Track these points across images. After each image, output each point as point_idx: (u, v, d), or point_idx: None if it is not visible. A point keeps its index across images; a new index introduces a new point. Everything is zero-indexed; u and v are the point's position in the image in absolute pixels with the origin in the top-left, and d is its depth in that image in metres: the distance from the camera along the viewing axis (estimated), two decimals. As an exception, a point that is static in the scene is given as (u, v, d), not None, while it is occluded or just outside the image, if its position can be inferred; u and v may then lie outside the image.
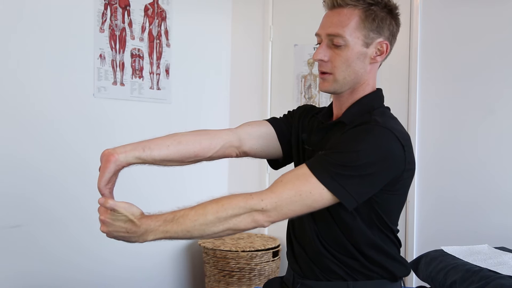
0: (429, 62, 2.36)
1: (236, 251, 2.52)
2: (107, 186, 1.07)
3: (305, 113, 1.34)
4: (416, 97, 2.38)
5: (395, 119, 1.20)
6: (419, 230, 2.38)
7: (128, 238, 1.02)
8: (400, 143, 1.09)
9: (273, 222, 1.05)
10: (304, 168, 1.06)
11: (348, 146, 1.07)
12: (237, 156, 1.30)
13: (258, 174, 2.92)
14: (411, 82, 2.39)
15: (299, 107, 1.38)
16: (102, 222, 1.02)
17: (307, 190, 1.03)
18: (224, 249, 2.54)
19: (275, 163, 1.41)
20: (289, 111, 1.39)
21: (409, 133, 1.92)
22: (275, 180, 1.06)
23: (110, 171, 1.07)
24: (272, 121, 1.34)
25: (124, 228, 1.00)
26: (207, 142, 1.21)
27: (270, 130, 1.32)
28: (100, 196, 1.07)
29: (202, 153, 1.21)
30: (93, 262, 2.32)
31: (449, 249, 1.73)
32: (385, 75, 2.47)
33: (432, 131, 2.35)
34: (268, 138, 1.31)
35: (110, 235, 1.03)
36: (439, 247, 1.76)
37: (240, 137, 1.27)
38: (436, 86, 2.34)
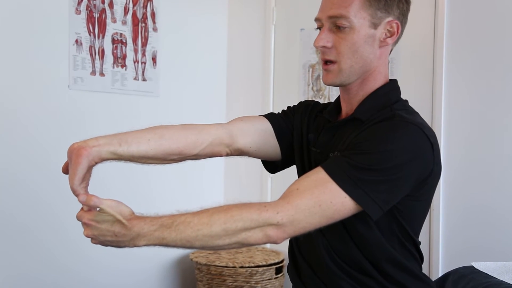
0: (457, 48, 2.34)
1: (233, 267, 2.51)
2: (81, 185, 1.04)
3: (308, 110, 1.34)
4: (442, 89, 2.36)
5: (418, 114, 1.20)
6: (445, 243, 2.37)
7: (116, 242, 1.00)
8: (429, 141, 1.10)
9: (287, 238, 1.04)
10: (321, 173, 1.05)
11: (373, 146, 1.06)
12: (227, 155, 1.29)
13: (259, 177, 2.90)
14: (436, 71, 2.38)
15: (300, 103, 1.38)
16: (86, 225, 0.99)
17: (327, 200, 1.02)
18: (220, 264, 2.53)
19: (272, 166, 1.40)
20: (288, 107, 1.38)
21: (433, 130, 1.90)
22: (289, 188, 1.06)
23: (83, 167, 1.04)
24: (269, 116, 1.34)
25: (111, 232, 0.98)
26: (193, 138, 1.20)
27: (266, 126, 1.31)
28: (76, 200, 1.05)
29: (187, 150, 1.19)
30: (70, 279, 2.31)
31: (481, 266, 1.71)
32: (406, 63, 2.45)
33: (461, 128, 2.33)
34: (265, 136, 1.30)
35: (95, 240, 1.01)
36: (468, 263, 1.75)
37: (232, 134, 1.26)
38: (466, 75, 2.32)
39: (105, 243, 1.01)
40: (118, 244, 1.00)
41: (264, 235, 1.01)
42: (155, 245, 1.00)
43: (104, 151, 1.07)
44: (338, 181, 1.03)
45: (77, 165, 1.04)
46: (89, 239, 1.02)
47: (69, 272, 2.31)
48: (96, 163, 1.07)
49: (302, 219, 1.01)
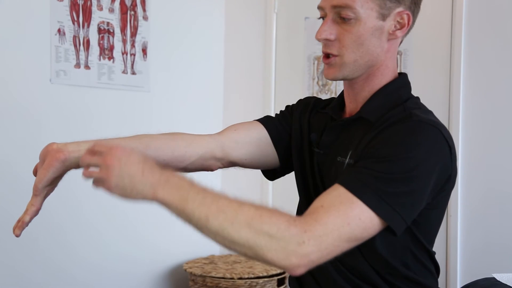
0: (477, 37, 2.33)
1: (231, 279, 2.51)
2: (46, 187, 1.07)
3: (309, 107, 1.34)
4: (460, 84, 2.36)
5: (432, 112, 1.19)
6: (463, 252, 2.36)
7: (133, 184, 0.95)
8: (447, 144, 1.10)
9: (308, 269, 0.98)
10: (340, 189, 1.02)
11: (393, 153, 1.05)
12: (219, 168, 1.31)
13: (260, 180, 2.89)
14: (454, 64, 2.37)
15: (299, 101, 1.38)
16: (113, 159, 0.95)
17: (355, 216, 0.99)
18: (216, 275, 2.53)
19: (272, 173, 1.41)
20: (287, 107, 1.39)
21: (450, 130, 1.88)
22: (312, 205, 1.02)
23: (56, 170, 1.06)
24: (265, 121, 1.34)
25: (140, 167, 0.95)
26: (182, 150, 1.21)
27: (262, 134, 1.32)
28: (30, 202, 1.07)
29: (175, 163, 1.21)
30: (63, 281, 2.35)
31: (503, 277, 1.69)
32: (420, 55, 2.44)
33: (481, 128, 2.33)
34: (261, 145, 1.31)
35: (114, 180, 0.95)
36: (490, 275, 1.73)
37: (224, 146, 1.27)
38: (486, 68, 2.31)
39: (120, 187, 0.95)
40: (133, 188, 0.95)
41: (285, 257, 0.95)
42: (169, 205, 0.95)
43: None
44: (361, 195, 1.00)
45: (50, 167, 1.06)
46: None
47: (63, 273, 2.34)
48: (73, 168, 1.09)
49: (330, 242, 0.97)
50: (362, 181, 1.02)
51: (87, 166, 0.98)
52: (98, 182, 0.97)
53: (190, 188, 0.97)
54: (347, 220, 0.98)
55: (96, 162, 0.97)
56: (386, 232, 1.05)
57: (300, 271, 0.96)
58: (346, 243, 0.99)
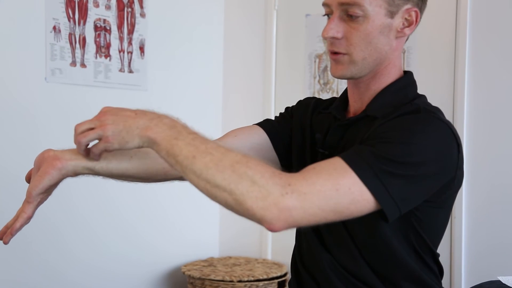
0: (482, 34, 2.33)
1: (231, 282, 2.51)
2: (40, 195, 1.06)
3: (310, 108, 1.34)
4: (465, 81, 2.36)
5: (441, 111, 1.20)
6: (468, 254, 2.36)
7: (129, 127, 1.00)
8: (456, 142, 1.10)
9: (289, 227, 0.96)
10: (337, 160, 1.01)
11: (398, 136, 1.05)
12: None
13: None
14: (458, 61, 2.38)
15: (299, 102, 1.38)
16: (104, 113, 1.02)
17: (345, 185, 0.98)
18: (215, 278, 2.54)
19: None
20: (287, 108, 1.39)
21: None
22: (305, 168, 1.01)
23: (52, 178, 1.06)
24: (265, 125, 1.34)
25: (133, 112, 1.02)
26: None
27: (263, 139, 1.31)
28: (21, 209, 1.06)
29: (174, 172, 1.18)
30: (59, 282, 2.35)
31: (509, 280, 1.69)
32: (424, 52, 2.44)
33: (486, 127, 2.32)
34: (262, 150, 1.30)
35: (109, 129, 1.00)
36: (495, 277, 1.73)
37: None
38: (491, 65, 2.31)
39: (116, 129, 1.00)
40: (128, 130, 1.00)
41: (265, 206, 0.92)
42: (159, 144, 0.98)
43: (81, 166, 1.08)
44: (356, 168, 0.99)
45: (46, 174, 1.06)
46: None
47: (60, 275, 2.35)
48: (69, 176, 1.09)
49: (314, 202, 0.95)
50: (361, 156, 1.02)
51: (81, 133, 1.02)
52: (96, 144, 1.03)
53: (182, 128, 1.00)
54: (336, 186, 0.97)
55: (89, 124, 1.02)
56: (379, 218, 1.03)
57: (278, 225, 0.93)
58: (332, 212, 0.97)
